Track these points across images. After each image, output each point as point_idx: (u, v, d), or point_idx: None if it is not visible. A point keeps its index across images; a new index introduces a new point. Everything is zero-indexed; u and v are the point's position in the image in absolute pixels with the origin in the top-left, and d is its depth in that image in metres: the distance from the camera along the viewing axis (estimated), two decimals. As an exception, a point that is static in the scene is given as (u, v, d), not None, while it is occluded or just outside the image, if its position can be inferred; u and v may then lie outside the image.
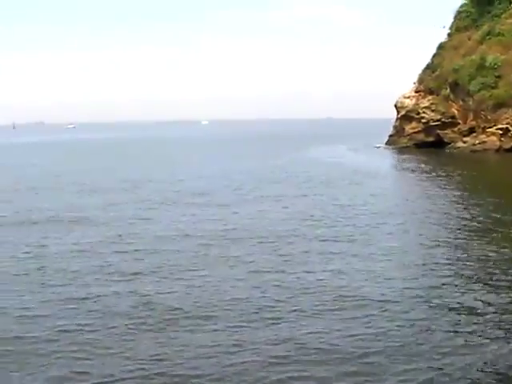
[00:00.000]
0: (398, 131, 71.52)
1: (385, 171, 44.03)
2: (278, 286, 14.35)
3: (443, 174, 39.80)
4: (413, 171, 42.79)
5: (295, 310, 12.53)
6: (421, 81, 70.35)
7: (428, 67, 70.62)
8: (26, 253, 18.05)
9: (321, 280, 14.65)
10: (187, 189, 33.08)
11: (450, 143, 64.04)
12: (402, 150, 64.55)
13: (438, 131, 65.37)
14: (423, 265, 16.17)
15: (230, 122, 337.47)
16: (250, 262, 16.52)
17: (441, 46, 70.85)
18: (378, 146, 72.25)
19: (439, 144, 64.59)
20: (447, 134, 64.70)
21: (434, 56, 71.04)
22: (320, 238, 19.72)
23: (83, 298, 13.47)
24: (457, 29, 70.17)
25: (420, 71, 71.94)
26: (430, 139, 66.23)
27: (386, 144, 72.62)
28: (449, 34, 71.46)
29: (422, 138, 67.40)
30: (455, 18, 71.63)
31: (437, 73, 67.28)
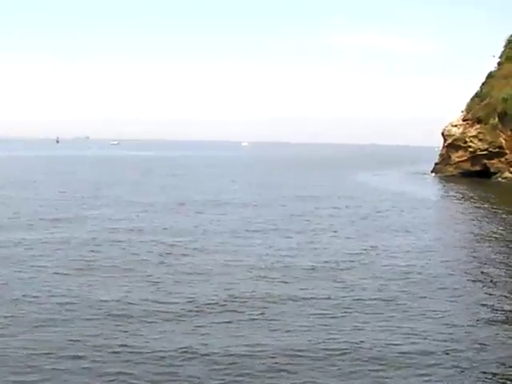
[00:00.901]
0: (444, 159, 70.99)
1: (434, 200, 43.59)
2: (334, 318, 14.33)
3: (494, 205, 39.40)
4: (463, 201, 42.39)
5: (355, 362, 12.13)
6: (469, 109, 69.73)
7: (476, 96, 70.03)
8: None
9: (380, 323, 14.43)
10: (237, 214, 33.00)
11: (496, 173, 63.41)
12: (448, 179, 64.01)
13: (485, 161, 64.74)
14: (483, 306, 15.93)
15: (269, 144, 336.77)
16: (310, 299, 16.24)
17: (490, 75, 70.30)
18: (423, 173, 71.91)
19: (485, 174, 63.98)
20: (494, 163, 64.07)
21: (482, 84, 70.47)
22: (371, 269, 19.52)
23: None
24: (507, 58, 69.58)
25: (468, 99, 71.57)
26: (477, 168, 65.60)
27: (432, 172, 72.20)
28: (498, 63, 70.92)
29: (468, 167, 66.78)
30: (505, 46, 71.10)
31: (485, 102, 66.70)
